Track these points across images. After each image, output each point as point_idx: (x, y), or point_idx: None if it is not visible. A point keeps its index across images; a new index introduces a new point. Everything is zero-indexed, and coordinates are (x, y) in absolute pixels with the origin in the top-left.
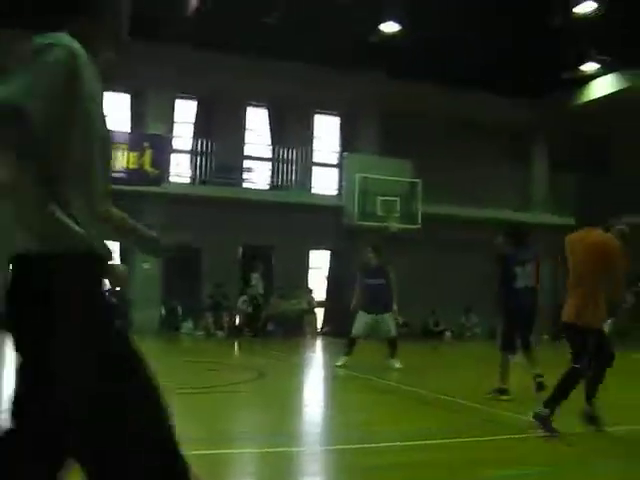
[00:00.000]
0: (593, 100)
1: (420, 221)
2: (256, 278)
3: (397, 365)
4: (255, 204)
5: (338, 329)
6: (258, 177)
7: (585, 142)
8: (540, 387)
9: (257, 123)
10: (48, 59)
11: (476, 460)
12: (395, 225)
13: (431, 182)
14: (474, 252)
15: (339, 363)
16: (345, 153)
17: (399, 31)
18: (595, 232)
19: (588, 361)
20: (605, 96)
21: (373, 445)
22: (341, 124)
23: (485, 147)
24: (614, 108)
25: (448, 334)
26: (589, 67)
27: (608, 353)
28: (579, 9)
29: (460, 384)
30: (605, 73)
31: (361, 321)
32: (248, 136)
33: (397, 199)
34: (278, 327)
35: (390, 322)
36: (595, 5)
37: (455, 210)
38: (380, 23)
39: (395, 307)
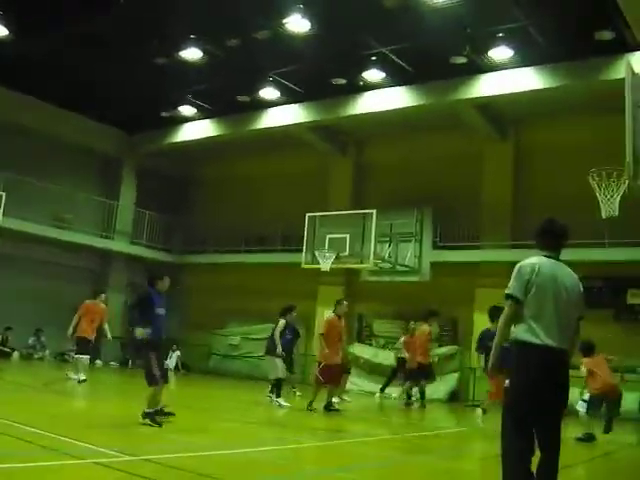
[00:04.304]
0: (185, 142)
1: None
2: None
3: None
4: None
5: None
6: None
7: (171, 180)
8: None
9: None
10: None
11: None
12: None
13: (18, 197)
14: (51, 273)
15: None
16: None
17: (6, 36)
18: None
19: None
20: (197, 140)
21: None
22: None
23: (76, 170)
24: (201, 152)
25: (16, 354)
26: (187, 110)
27: None
28: (185, 54)
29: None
30: (201, 118)
31: None
32: None
33: None
34: None
35: None
36: (200, 53)
37: (37, 229)
38: None
39: None
